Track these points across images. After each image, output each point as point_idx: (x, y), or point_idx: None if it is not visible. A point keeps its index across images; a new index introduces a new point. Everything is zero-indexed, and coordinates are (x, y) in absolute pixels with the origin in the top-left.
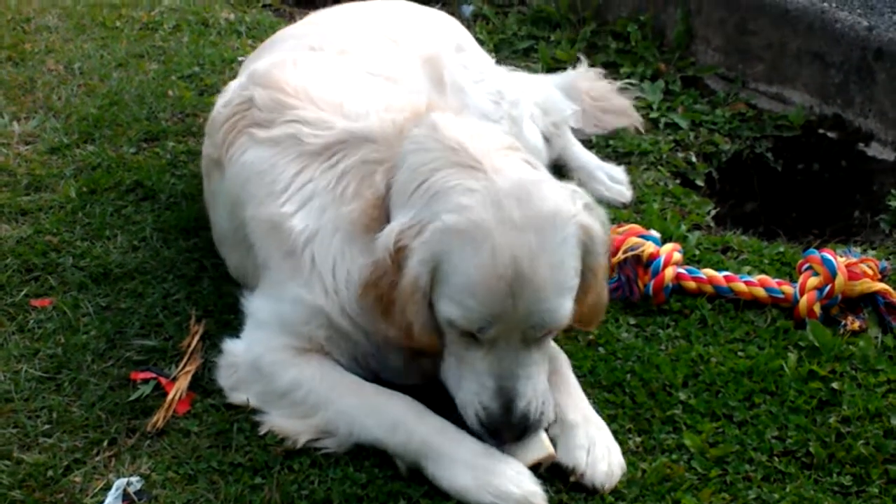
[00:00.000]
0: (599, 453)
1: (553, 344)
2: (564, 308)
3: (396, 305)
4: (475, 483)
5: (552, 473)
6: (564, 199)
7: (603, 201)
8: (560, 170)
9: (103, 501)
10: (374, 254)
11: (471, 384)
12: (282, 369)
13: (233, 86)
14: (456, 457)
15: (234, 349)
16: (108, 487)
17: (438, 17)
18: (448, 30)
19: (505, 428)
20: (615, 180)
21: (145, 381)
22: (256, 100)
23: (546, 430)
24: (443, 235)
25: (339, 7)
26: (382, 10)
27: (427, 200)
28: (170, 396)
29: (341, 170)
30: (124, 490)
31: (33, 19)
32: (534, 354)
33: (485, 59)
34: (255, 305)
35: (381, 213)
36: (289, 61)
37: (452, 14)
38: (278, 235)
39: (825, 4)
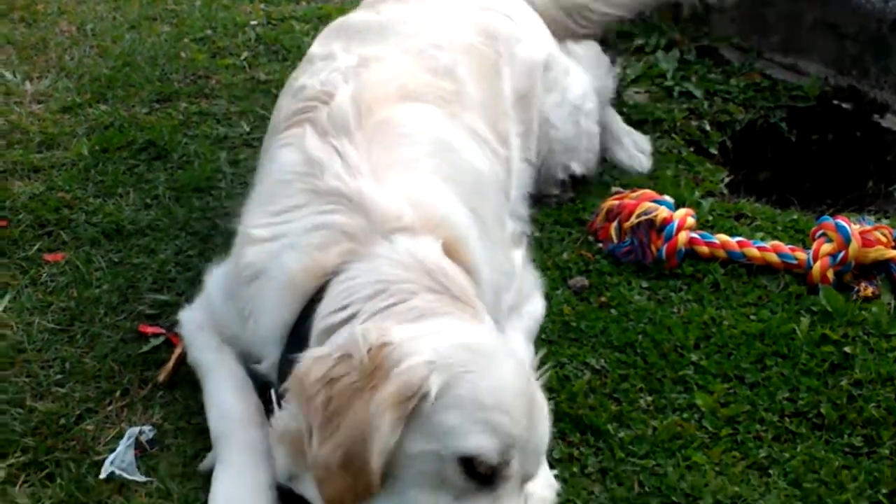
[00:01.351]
0: None
1: None
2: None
3: (349, 420)
4: None
5: None
6: None
7: (620, 167)
8: None
9: (115, 449)
10: (341, 345)
11: None
12: (194, 348)
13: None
14: None
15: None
16: (120, 436)
17: (530, 23)
18: (539, 47)
19: None
20: (639, 148)
21: (156, 335)
22: (333, 106)
23: None
24: (457, 349)
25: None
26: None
27: (414, 316)
28: (177, 350)
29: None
30: (136, 439)
31: None
32: None
33: (561, 64)
34: (210, 276)
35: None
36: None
37: None
38: (236, 250)
39: None
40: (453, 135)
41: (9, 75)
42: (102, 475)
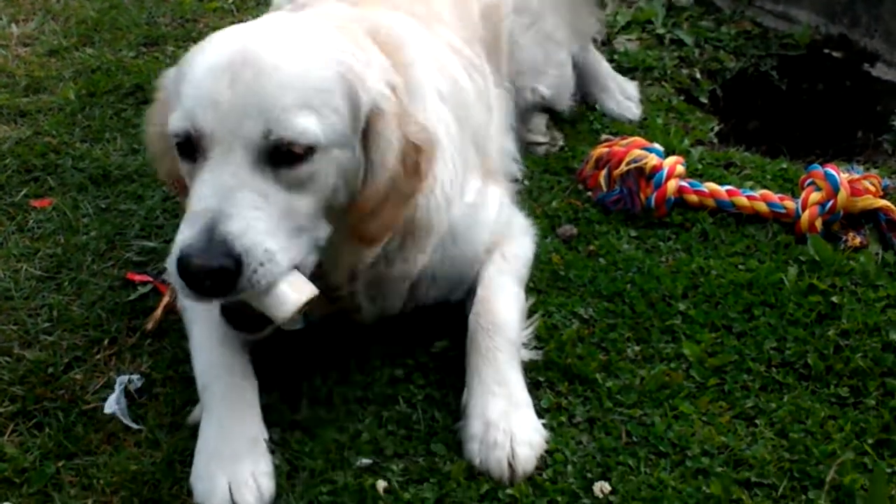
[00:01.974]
0: (495, 438)
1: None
2: (303, 122)
3: None
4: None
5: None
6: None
7: (610, 115)
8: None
9: (106, 398)
10: None
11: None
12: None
13: None
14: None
15: None
16: (108, 385)
17: None
18: None
19: (197, 256)
20: (627, 95)
21: (143, 283)
22: None
23: None
24: (186, 56)
25: None
26: None
27: None
28: (165, 299)
29: None
30: (125, 388)
31: None
32: (268, 185)
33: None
34: None
35: None
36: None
37: None
38: None
39: None
40: (436, 45)
41: None
42: (106, 410)
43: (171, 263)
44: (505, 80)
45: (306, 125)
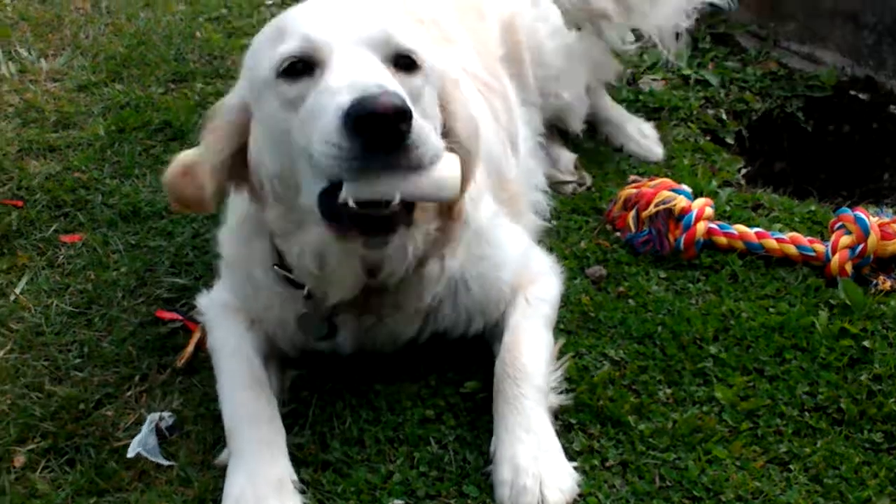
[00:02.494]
0: (525, 483)
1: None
2: (414, 40)
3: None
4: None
5: None
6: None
7: (634, 157)
8: (590, 124)
9: (136, 435)
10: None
11: (319, 122)
12: (214, 333)
13: None
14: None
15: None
16: (139, 422)
17: None
18: None
19: (380, 95)
20: (645, 136)
21: (173, 321)
22: None
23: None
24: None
25: None
26: None
27: None
28: (195, 336)
29: None
30: (156, 425)
31: None
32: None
33: (554, 9)
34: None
35: None
36: None
37: None
38: None
39: None
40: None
41: (24, 53)
42: (130, 454)
43: (334, 118)
44: (531, 93)
45: (416, 43)
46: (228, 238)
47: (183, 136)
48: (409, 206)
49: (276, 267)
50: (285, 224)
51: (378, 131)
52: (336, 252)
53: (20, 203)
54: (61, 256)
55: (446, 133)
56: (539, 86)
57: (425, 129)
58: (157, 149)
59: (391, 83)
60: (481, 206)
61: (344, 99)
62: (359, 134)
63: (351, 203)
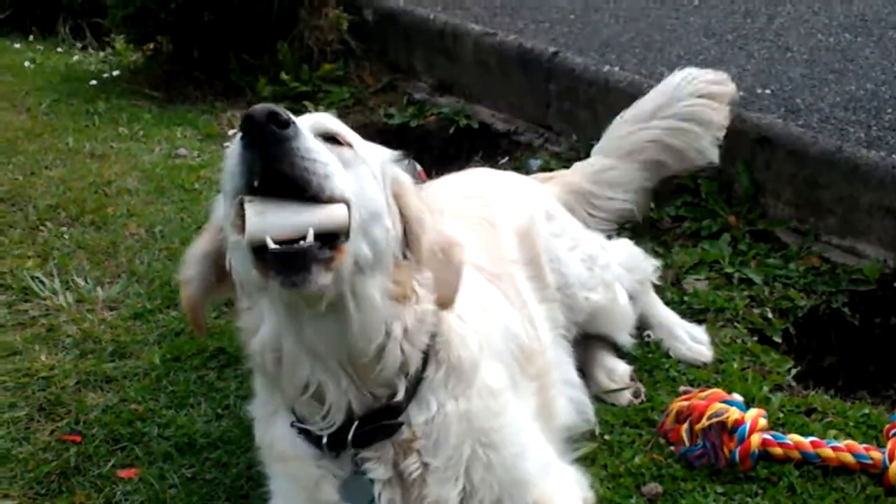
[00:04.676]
0: None
1: None
2: (343, 129)
3: None
4: None
5: None
6: None
7: (684, 361)
8: (640, 327)
9: None
10: None
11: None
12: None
13: None
14: None
15: None
16: None
17: (526, 185)
18: (537, 197)
19: (254, 116)
20: (696, 340)
21: None
22: None
23: None
24: None
25: (434, 183)
26: (472, 183)
27: None
28: None
29: None
30: None
31: (114, 182)
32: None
33: (573, 223)
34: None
35: None
36: None
37: (518, 169)
38: None
39: (895, 159)
40: None
41: (81, 281)
42: None
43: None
44: (551, 292)
45: (348, 133)
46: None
47: (237, 362)
48: (327, 245)
49: (294, 423)
50: (253, 322)
51: (255, 132)
52: (290, 332)
53: (78, 438)
54: (118, 493)
55: (410, 242)
56: (564, 291)
57: (324, 163)
58: (211, 376)
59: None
60: (489, 367)
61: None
62: (243, 139)
63: (270, 243)
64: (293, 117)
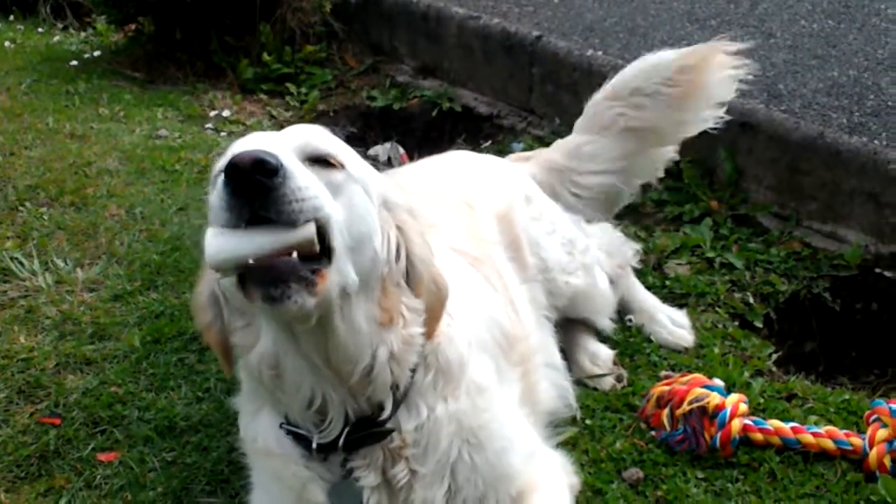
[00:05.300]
0: None
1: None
2: (334, 149)
3: None
4: None
5: None
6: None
7: (665, 346)
8: (621, 311)
9: None
10: None
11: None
12: None
13: None
14: None
15: None
16: None
17: (505, 169)
18: (515, 181)
19: (239, 165)
20: (677, 324)
21: None
22: None
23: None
24: None
25: (415, 165)
26: (452, 167)
27: None
28: None
29: None
30: None
31: (94, 163)
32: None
33: (552, 207)
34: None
35: None
36: None
37: (501, 153)
38: None
39: (877, 144)
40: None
41: (60, 263)
42: None
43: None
44: (531, 273)
45: (338, 151)
46: (242, 413)
47: None
48: (311, 266)
49: (283, 425)
50: (248, 339)
51: (241, 181)
52: (289, 350)
53: (58, 421)
54: (98, 476)
55: (411, 277)
56: (544, 275)
57: (312, 198)
58: (192, 358)
59: (278, 152)
60: (477, 362)
61: (223, 162)
62: (228, 185)
63: (250, 261)
64: (281, 157)
